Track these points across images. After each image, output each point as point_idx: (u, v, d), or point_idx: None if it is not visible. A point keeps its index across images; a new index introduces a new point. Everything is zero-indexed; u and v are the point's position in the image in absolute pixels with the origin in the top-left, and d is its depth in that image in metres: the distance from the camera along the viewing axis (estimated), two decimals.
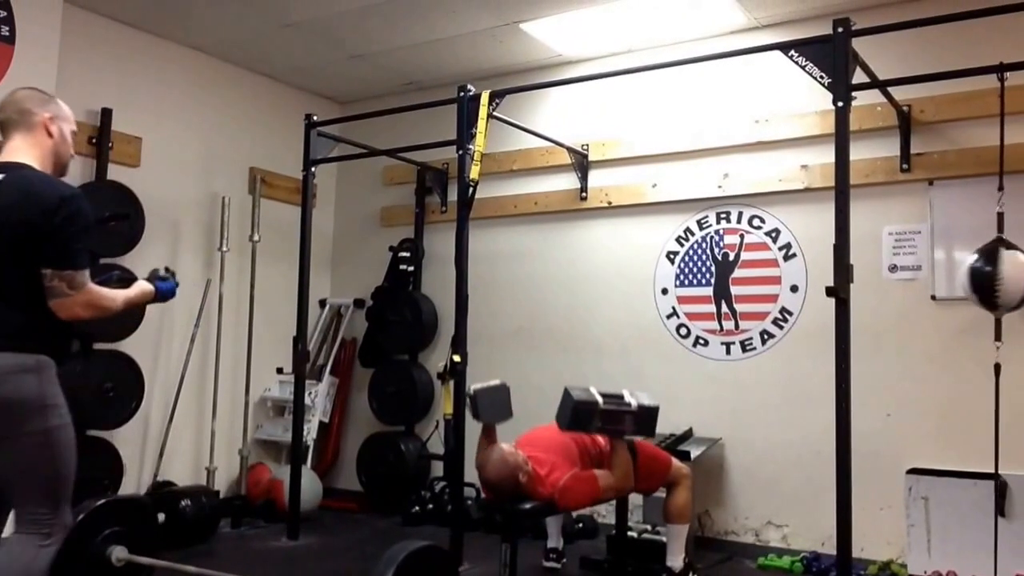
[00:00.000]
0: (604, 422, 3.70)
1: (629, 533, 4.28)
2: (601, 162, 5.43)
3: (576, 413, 3.65)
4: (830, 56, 3.60)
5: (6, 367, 2.39)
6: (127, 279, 2.95)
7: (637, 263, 5.26)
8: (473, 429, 4.06)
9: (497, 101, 4.45)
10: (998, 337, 3.63)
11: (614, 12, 4.84)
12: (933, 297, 4.41)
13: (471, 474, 4.05)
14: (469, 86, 4.57)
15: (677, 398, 4.92)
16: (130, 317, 4.98)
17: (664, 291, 5.17)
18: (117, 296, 2.66)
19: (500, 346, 5.62)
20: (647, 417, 3.79)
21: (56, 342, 2.54)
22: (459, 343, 4.35)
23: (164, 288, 2.92)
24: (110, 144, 5.05)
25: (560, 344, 5.48)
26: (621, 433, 3.76)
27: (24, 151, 2.58)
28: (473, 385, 4.02)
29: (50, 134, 2.64)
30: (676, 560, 3.97)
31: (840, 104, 3.55)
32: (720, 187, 5.02)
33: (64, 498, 2.51)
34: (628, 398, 3.78)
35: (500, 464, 3.68)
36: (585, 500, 3.80)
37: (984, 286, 3.66)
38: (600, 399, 3.69)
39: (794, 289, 4.79)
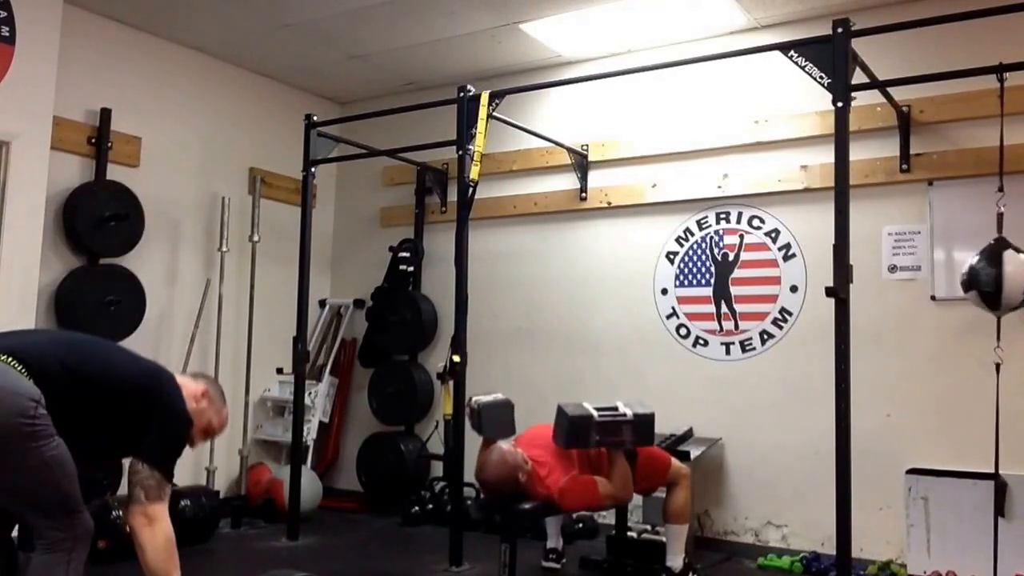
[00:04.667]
0: (602, 435, 3.68)
1: (629, 533, 4.28)
2: (601, 162, 5.42)
3: (573, 430, 3.63)
4: (830, 56, 3.60)
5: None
6: None
7: (637, 263, 5.26)
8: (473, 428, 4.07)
9: (497, 101, 4.45)
10: (999, 338, 3.63)
11: (614, 12, 4.84)
12: (933, 297, 4.41)
13: (471, 474, 4.05)
14: (469, 86, 4.58)
15: (677, 398, 4.92)
16: (129, 316, 5.00)
17: (664, 291, 5.17)
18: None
19: (500, 346, 5.62)
20: (644, 426, 3.77)
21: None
22: (459, 343, 4.35)
23: None
24: (109, 144, 5.05)
25: (560, 344, 5.48)
26: (620, 444, 3.74)
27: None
28: (476, 398, 4.00)
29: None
30: (676, 560, 3.97)
31: (840, 104, 3.56)
32: (720, 187, 5.02)
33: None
34: (623, 409, 3.75)
35: (500, 464, 3.68)
36: (584, 503, 3.81)
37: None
38: (595, 413, 3.67)
39: (794, 289, 4.79)
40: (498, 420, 4.03)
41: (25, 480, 2.41)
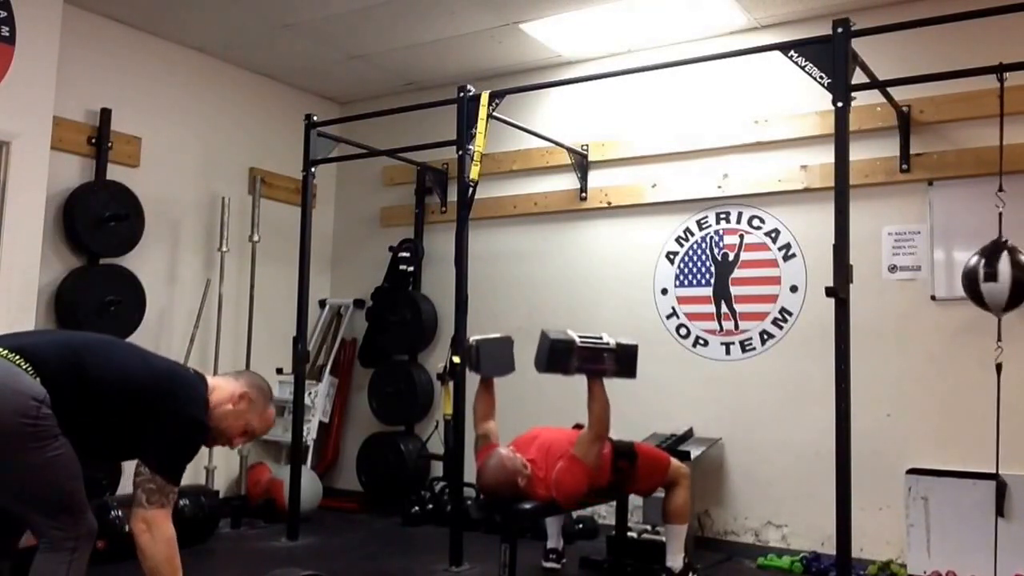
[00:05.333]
0: (582, 361, 3.66)
1: (629, 533, 4.28)
2: (601, 162, 5.42)
3: (553, 353, 3.62)
4: (830, 56, 3.60)
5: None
6: None
7: (637, 263, 5.26)
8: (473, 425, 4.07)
9: (497, 101, 4.45)
10: (999, 337, 3.63)
11: (614, 12, 4.84)
12: (933, 297, 4.41)
13: (471, 474, 4.05)
14: (469, 86, 4.58)
15: (677, 398, 4.93)
16: (129, 316, 5.00)
17: (664, 291, 5.17)
18: None
19: None
20: (626, 355, 3.75)
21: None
22: (459, 343, 4.34)
23: None
24: (109, 144, 5.05)
25: None
26: (601, 372, 3.72)
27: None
28: (474, 336, 3.98)
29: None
30: (676, 560, 3.96)
31: (840, 104, 3.56)
32: (720, 187, 5.02)
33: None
34: (607, 338, 3.75)
35: (498, 469, 3.64)
36: (582, 483, 3.67)
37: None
38: (577, 338, 3.67)
39: (794, 289, 4.79)
40: (496, 356, 3.98)
41: (27, 480, 2.41)
